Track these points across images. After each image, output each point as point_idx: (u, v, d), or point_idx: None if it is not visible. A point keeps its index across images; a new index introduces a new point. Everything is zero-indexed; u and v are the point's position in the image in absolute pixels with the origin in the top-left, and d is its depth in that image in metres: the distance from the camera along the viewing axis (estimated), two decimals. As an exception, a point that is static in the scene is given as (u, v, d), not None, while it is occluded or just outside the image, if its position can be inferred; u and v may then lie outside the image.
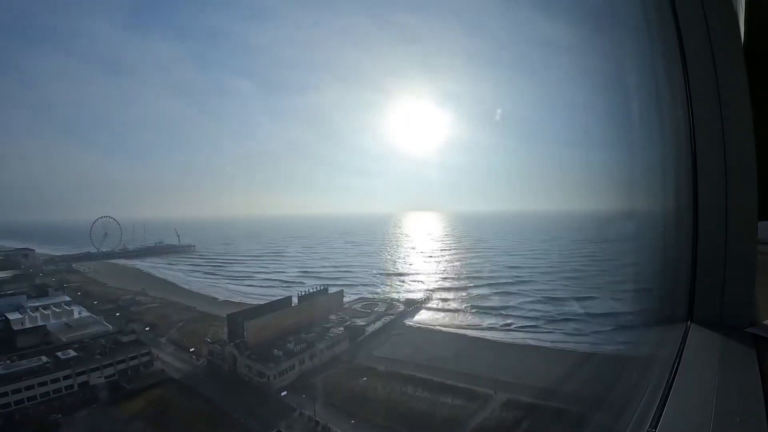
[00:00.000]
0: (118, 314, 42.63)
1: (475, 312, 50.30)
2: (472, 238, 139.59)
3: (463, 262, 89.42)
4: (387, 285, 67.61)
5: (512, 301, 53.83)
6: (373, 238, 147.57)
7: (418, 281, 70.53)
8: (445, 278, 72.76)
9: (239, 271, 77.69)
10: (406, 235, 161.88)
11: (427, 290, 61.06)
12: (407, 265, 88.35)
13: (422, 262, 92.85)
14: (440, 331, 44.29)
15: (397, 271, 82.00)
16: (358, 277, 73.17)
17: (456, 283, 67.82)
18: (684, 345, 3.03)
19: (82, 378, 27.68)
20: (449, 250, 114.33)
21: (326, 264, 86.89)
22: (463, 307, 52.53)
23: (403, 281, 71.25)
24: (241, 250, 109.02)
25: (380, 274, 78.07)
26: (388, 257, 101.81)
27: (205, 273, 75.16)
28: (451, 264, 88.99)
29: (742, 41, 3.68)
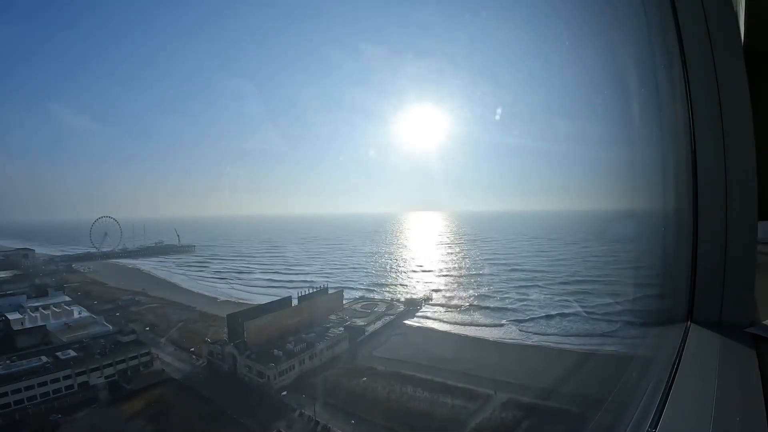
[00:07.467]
0: (118, 314, 42.55)
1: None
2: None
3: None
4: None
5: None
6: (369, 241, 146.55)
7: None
8: None
9: (239, 272, 77.66)
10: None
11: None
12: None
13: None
14: (440, 331, 44.27)
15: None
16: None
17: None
18: (684, 345, 3.03)
19: (82, 378, 27.62)
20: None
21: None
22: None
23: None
24: (241, 250, 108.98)
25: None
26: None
27: (205, 273, 75.15)
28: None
29: (742, 41, 3.68)
